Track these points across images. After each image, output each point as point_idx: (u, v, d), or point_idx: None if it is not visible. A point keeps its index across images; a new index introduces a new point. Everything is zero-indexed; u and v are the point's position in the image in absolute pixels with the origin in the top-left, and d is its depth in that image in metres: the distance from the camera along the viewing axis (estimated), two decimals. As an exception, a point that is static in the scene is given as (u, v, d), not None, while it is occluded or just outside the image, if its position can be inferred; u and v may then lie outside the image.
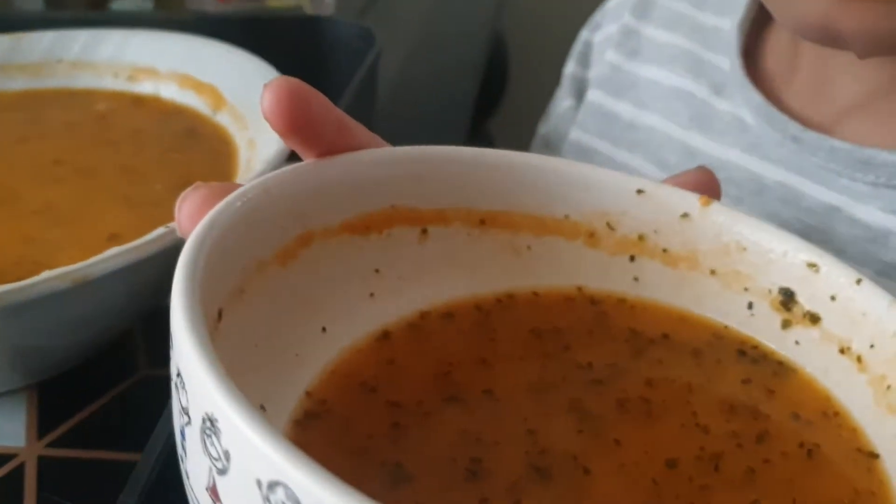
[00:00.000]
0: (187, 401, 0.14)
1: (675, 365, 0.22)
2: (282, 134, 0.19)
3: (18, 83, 0.36)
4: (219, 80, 0.34)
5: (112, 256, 0.22)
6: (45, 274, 0.22)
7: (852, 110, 0.29)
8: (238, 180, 0.29)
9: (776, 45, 0.32)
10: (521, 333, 0.22)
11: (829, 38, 0.25)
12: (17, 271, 0.25)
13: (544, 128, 0.43)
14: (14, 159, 0.31)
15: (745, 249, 0.22)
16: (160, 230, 0.23)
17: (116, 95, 0.35)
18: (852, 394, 0.20)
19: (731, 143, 0.31)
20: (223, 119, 0.32)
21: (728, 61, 0.33)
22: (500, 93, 0.88)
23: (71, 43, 0.36)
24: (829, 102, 0.30)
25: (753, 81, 0.32)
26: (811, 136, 0.29)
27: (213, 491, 0.14)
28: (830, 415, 0.20)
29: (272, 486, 0.12)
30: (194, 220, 0.17)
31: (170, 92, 0.35)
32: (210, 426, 0.14)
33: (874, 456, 0.19)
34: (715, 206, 0.22)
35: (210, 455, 0.13)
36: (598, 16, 0.42)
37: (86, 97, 0.35)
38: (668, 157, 0.33)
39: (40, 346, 0.25)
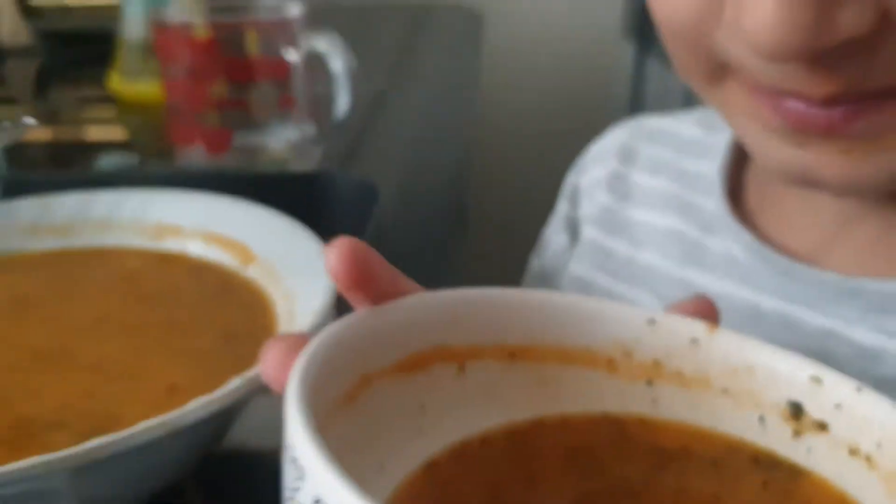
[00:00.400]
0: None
1: (697, 475, 0.25)
2: (345, 289, 0.22)
3: (49, 243, 0.38)
4: (245, 236, 0.36)
5: (202, 406, 0.24)
6: (144, 423, 0.23)
7: (836, 238, 0.33)
8: (281, 331, 0.31)
9: (759, 183, 0.37)
10: (558, 454, 0.25)
11: (810, 184, 0.29)
12: (83, 425, 0.27)
13: (538, 261, 0.47)
14: (59, 317, 0.33)
15: (752, 369, 0.25)
16: (237, 381, 0.25)
17: (144, 253, 0.38)
18: (866, 491, 0.23)
19: (724, 276, 0.35)
20: (254, 273, 0.35)
21: (713, 202, 0.37)
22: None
23: (96, 204, 0.39)
24: (814, 232, 0.34)
25: (740, 219, 0.36)
26: (800, 268, 0.33)
27: None
28: (847, 510, 0.23)
29: None
30: (282, 367, 0.20)
31: (196, 248, 0.37)
32: None
33: None
34: (720, 332, 0.25)
35: None
36: (583, 161, 0.47)
37: (115, 256, 0.37)
38: (666, 291, 0.36)
39: (108, 498, 0.27)
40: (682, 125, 0.44)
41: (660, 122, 0.45)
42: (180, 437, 0.25)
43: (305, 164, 0.56)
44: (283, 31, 0.54)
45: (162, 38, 0.55)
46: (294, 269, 0.33)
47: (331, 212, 0.45)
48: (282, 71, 0.55)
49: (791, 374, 0.24)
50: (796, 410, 0.24)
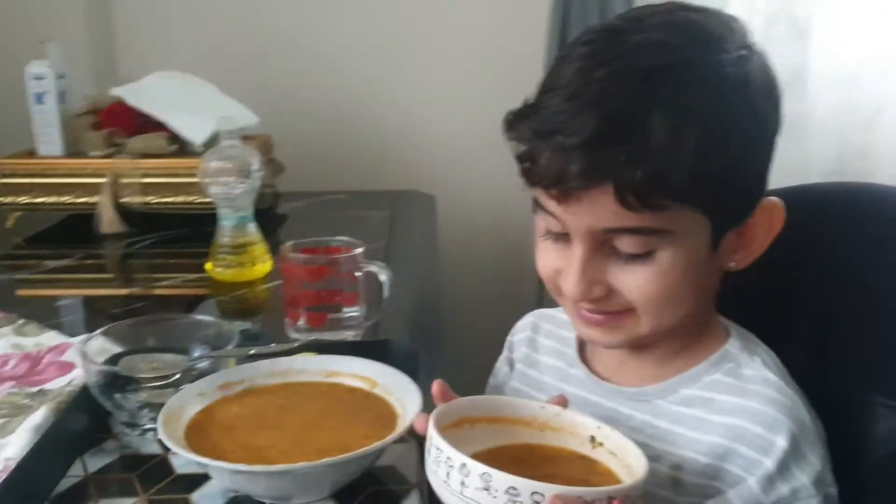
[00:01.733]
0: (451, 461, 0.64)
1: (561, 464, 0.72)
2: (436, 399, 0.70)
3: (276, 380, 0.84)
4: (371, 374, 0.83)
5: (389, 439, 0.70)
6: (368, 447, 0.69)
7: (619, 368, 0.82)
8: (400, 414, 0.77)
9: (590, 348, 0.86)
10: (510, 459, 0.72)
11: (595, 343, 0.78)
12: (338, 449, 0.72)
13: (493, 380, 0.95)
14: (302, 411, 0.78)
15: (577, 423, 0.73)
16: (390, 437, 0.71)
17: (321, 383, 0.84)
18: (619, 472, 0.70)
19: (577, 387, 0.84)
20: (378, 391, 0.82)
21: (572, 351, 0.86)
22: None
23: (296, 362, 0.85)
24: (611, 365, 0.82)
25: (583, 360, 0.85)
26: (603, 383, 0.82)
27: (462, 483, 0.63)
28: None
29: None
30: (423, 421, 0.68)
31: (348, 381, 0.84)
32: (463, 466, 0.63)
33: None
34: (569, 410, 0.74)
35: (462, 473, 0.63)
36: (514, 329, 0.96)
37: (309, 385, 0.83)
38: (552, 394, 0.84)
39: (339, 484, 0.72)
40: (560, 314, 0.93)
41: (550, 312, 0.94)
42: (374, 454, 0.71)
43: (360, 332, 1.03)
44: (353, 260, 1.02)
45: (288, 266, 1.02)
46: (398, 389, 0.80)
47: (391, 359, 0.92)
48: (353, 280, 1.02)
49: (591, 424, 0.72)
50: (592, 438, 0.72)
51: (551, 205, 0.72)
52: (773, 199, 0.75)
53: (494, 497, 0.60)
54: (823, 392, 0.77)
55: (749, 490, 0.71)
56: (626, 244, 0.71)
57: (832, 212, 0.85)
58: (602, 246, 0.72)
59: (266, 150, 1.64)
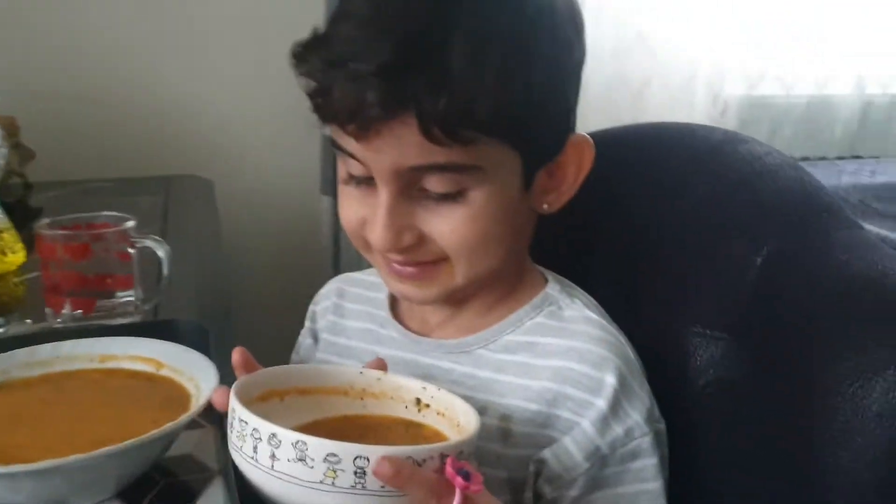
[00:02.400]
0: (258, 434, 0.55)
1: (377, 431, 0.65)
2: (238, 369, 0.61)
3: (37, 371, 0.71)
4: (154, 354, 0.72)
5: (181, 421, 0.60)
6: (162, 428, 0.59)
7: (437, 324, 0.76)
8: (194, 394, 0.67)
9: (403, 305, 0.79)
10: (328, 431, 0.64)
11: (408, 300, 0.72)
12: (122, 439, 0.61)
13: (296, 356, 0.87)
14: (71, 403, 0.66)
15: (400, 386, 0.66)
16: (183, 418, 0.61)
17: (97, 370, 0.72)
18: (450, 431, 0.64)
19: (393, 348, 0.77)
20: (165, 372, 0.71)
21: (384, 312, 0.79)
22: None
23: (62, 348, 0.72)
24: (430, 321, 0.76)
25: (396, 319, 0.78)
26: (421, 339, 0.75)
27: (272, 456, 0.54)
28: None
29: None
30: (222, 396, 0.59)
31: (127, 364, 0.72)
32: (273, 436, 0.54)
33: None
34: (389, 374, 0.67)
35: (271, 445, 0.54)
36: (316, 297, 0.88)
37: (79, 374, 0.71)
38: (366, 359, 0.77)
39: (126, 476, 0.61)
40: (367, 276, 0.86)
41: (356, 275, 0.87)
42: (166, 439, 0.61)
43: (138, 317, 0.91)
44: (124, 235, 0.90)
45: (45, 245, 0.88)
46: (189, 367, 0.69)
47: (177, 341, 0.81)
48: (126, 259, 0.90)
49: (415, 386, 0.66)
50: (418, 401, 0.66)
51: (350, 144, 0.65)
52: (582, 134, 0.72)
53: (311, 468, 0.52)
54: (640, 331, 0.74)
55: (583, 433, 0.67)
56: (434, 183, 0.65)
57: (633, 152, 0.83)
58: (409, 188, 0.66)
59: (11, 133, 1.45)
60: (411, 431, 0.65)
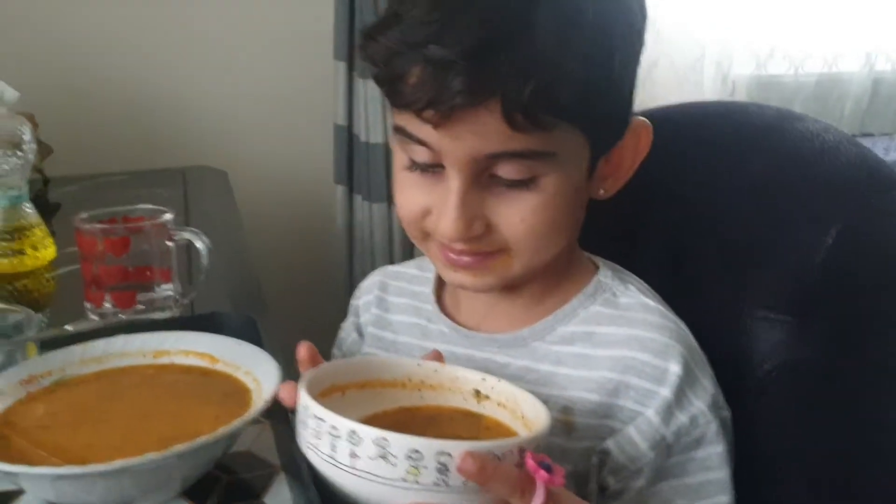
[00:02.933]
0: (336, 431, 0.53)
1: (445, 423, 0.64)
2: (303, 364, 0.60)
3: (92, 368, 0.69)
4: (207, 349, 0.70)
5: (246, 418, 0.59)
6: (218, 431, 0.57)
7: (486, 317, 0.74)
8: (253, 389, 0.65)
9: (451, 293, 0.78)
10: (391, 422, 0.62)
11: (463, 288, 0.70)
12: (185, 437, 0.59)
13: (338, 351, 0.85)
14: (128, 400, 0.65)
15: (457, 378, 0.65)
16: (246, 416, 0.60)
17: (150, 365, 0.70)
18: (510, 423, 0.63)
19: (441, 342, 0.75)
20: (220, 367, 0.69)
21: (430, 306, 0.78)
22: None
23: (114, 344, 0.71)
24: (477, 314, 0.75)
25: (444, 313, 0.77)
26: (472, 334, 0.74)
27: (352, 454, 0.53)
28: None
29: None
30: (290, 390, 0.57)
31: (180, 359, 0.71)
32: (353, 433, 0.53)
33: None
34: (447, 365, 0.65)
35: (352, 442, 0.53)
36: (357, 292, 0.86)
37: (133, 370, 0.70)
38: (416, 354, 0.75)
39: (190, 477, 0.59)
40: (408, 269, 0.84)
41: (396, 268, 0.85)
42: (230, 438, 0.59)
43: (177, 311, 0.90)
44: (163, 227, 0.88)
45: (84, 238, 0.86)
46: (245, 360, 0.68)
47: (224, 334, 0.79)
48: (165, 252, 0.88)
49: (473, 377, 0.64)
50: (477, 392, 0.64)
51: (424, 130, 0.63)
52: (641, 118, 0.70)
53: (393, 465, 0.51)
54: (698, 318, 0.73)
55: (649, 423, 0.66)
56: (508, 170, 0.64)
57: (684, 131, 0.82)
58: (481, 175, 0.65)
59: (32, 130, 1.44)
60: (472, 423, 0.64)
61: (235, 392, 0.66)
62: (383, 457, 0.51)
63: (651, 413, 0.66)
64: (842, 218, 0.68)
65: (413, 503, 0.51)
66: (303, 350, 0.62)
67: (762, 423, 0.70)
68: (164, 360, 0.71)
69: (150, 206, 0.91)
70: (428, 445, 0.51)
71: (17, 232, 1.08)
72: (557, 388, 0.69)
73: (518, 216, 0.65)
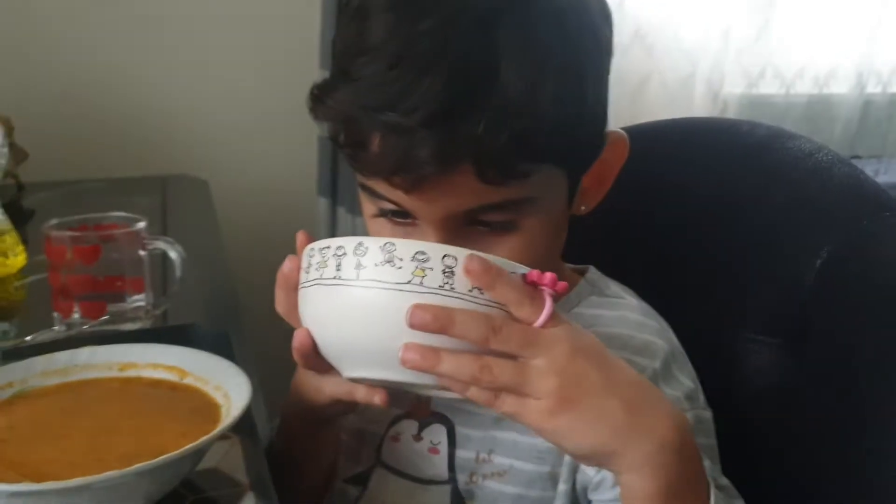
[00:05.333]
0: (342, 249, 0.53)
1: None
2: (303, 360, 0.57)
3: (55, 380, 0.66)
4: (177, 362, 0.68)
5: (211, 437, 0.56)
6: (183, 449, 0.55)
7: None
8: (223, 405, 0.63)
9: None
10: None
11: None
12: (149, 454, 0.57)
13: None
14: (92, 415, 0.62)
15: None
16: (213, 433, 0.57)
17: (116, 378, 0.67)
18: None
19: None
20: (189, 381, 0.67)
21: None
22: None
23: (79, 356, 0.68)
24: None
25: None
26: None
27: (358, 265, 0.52)
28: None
29: None
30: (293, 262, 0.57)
31: (148, 373, 0.68)
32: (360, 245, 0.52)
33: None
34: None
35: (357, 254, 0.52)
36: None
37: (98, 382, 0.67)
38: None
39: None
40: None
41: None
42: (196, 455, 0.57)
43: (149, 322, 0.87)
44: (135, 236, 0.85)
45: (53, 247, 0.83)
46: (216, 375, 0.65)
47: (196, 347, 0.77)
48: (137, 261, 0.85)
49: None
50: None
51: (395, 194, 0.60)
52: (616, 131, 0.69)
53: (399, 268, 0.50)
54: (685, 338, 0.71)
55: None
56: (487, 216, 0.62)
57: (674, 148, 0.80)
58: (459, 227, 0.62)
59: (5, 133, 1.40)
60: None
61: (203, 407, 0.64)
62: (389, 261, 0.50)
63: None
64: (833, 240, 0.67)
65: (417, 304, 0.49)
66: (302, 237, 0.59)
67: (749, 446, 0.68)
68: (131, 373, 0.68)
69: (122, 214, 0.88)
70: (434, 248, 0.50)
71: (-18, 242, 1.05)
72: None
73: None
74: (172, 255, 0.86)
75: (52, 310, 0.86)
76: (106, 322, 0.84)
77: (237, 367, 0.65)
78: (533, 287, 0.51)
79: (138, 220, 0.86)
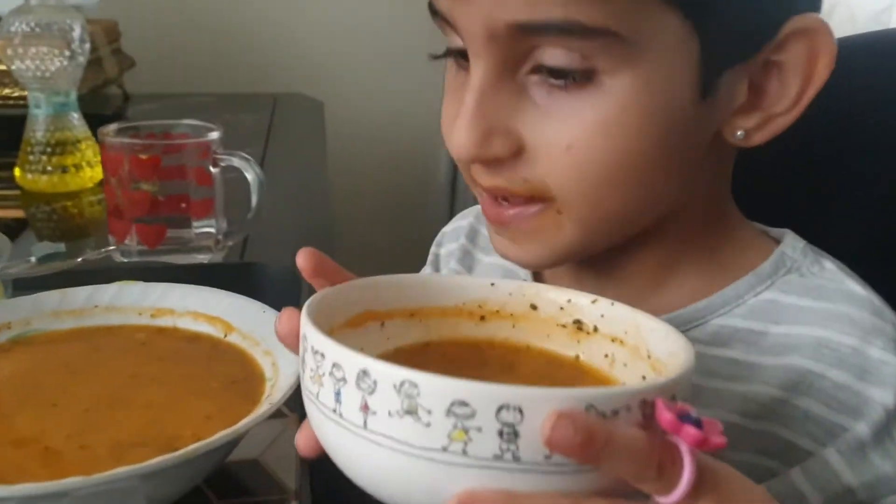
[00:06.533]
0: (340, 371, 0.32)
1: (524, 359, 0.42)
2: (309, 277, 0.39)
3: (68, 323, 0.52)
4: (223, 313, 0.52)
5: (237, 429, 0.39)
6: (205, 441, 0.38)
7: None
8: (269, 377, 0.46)
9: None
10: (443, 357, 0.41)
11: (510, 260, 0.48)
12: (157, 444, 0.41)
13: None
14: (102, 375, 0.47)
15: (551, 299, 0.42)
16: (255, 414, 0.41)
17: (145, 327, 0.52)
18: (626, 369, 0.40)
19: None
20: (235, 339, 0.50)
21: (524, 272, 0.56)
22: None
23: (103, 294, 0.53)
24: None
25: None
26: None
27: (364, 407, 0.31)
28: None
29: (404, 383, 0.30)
30: (290, 321, 0.36)
31: (186, 324, 0.52)
32: (364, 374, 0.31)
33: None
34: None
35: (362, 389, 0.31)
36: (441, 237, 0.65)
37: (124, 331, 0.51)
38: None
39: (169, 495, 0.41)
40: None
41: None
42: (220, 451, 0.40)
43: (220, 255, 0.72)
44: (206, 149, 0.69)
45: (109, 155, 0.69)
46: (267, 335, 0.49)
47: (263, 292, 0.61)
48: (206, 179, 0.70)
49: (578, 299, 0.42)
50: (578, 324, 0.42)
51: (441, 3, 0.43)
52: (814, 16, 0.45)
53: (427, 425, 0.30)
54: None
55: (825, 465, 0.44)
56: (551, 56, 0.41)
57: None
58: (514, 67, 0.43)
59: (111, 38, 1.29)
60: (571, 368, 0.42)
61: (246, 378, 0.47)
62: (411, 411, 0.30)
63: (831, 453, 0.44)
64: None
65: (468, 493, 0.30)
66: (302, 258, 0.40)
67: None
68: (165, 321, 0.53)
69: (194, 123, 0.72)
70: (483, 393, 0.29)
71: (61, 146, 0.92)
72: (698, 407, 0.46)
73: (564, 136, 0.42)
74: (249, 175, 0.70)
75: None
76: (165, 251, 0.69)
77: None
78: (664, 441, 0.31)
79: (211, 130, 0.70)
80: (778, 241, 0.52)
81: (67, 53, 0.90)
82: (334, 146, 1.30)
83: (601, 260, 0.50)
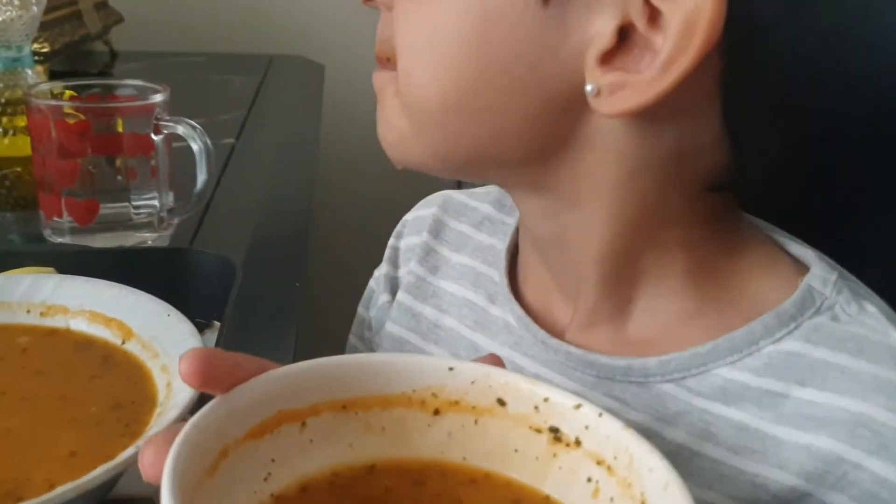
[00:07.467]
0: None
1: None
2: (199, 388, 0.29)
3: (-61, 321, 0.43)
4: (124, 315, 0.43)
5: (106, 471, 0.31)
6: (60, 489, 0.30)
7: (579, 323, 0.42)
8: (161, 402, 0.38)
9: (529, 260, 0.46)
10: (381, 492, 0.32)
11: None
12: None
13: (364, 312, 0.54)
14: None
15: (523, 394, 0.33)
16: (131, 449, 0.32)
17: (31, 329, 0.43)
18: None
19: (502, 342, 0.44)
20: (133, 347, 0.41)
21: (498, 274, 0.46)
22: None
23: (-15, 286, 0.44)
24: (560, 305, 0.43)
25: (515, 293, 0.45)
26: (553, 342, 0.42)
27: None
28: None
29: None
30: (156, 465, 0.26)
31: (79, 325, 0.43)
32: None
33: None
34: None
35: None
36: (400, 228, 0.54)
37: (6, 331, 0.43)
38: (460, 352, 0.45)
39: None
40: (480, 203, 0.52)
41: (464, 198, 0.53)
42: (86, 497, 0.32)
43: (166, 236, 0.63)
44: (147, 114, 0.60)
45: (35, 119, 0.60)
46: (169, 346, 0.40)
47: (194, 283, 0.52)
48: (146, 147, 0.61)
49: (556, 398, 0.33)
50: (555, 432, 0.33)
51: None
52: None
53: None
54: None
55: None
56: None
57: None
58: None
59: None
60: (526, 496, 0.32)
61: (133, 403, 0.38)
62: None
63: None
64: None
65: None
66: (186, 366, 0.31)
67: None
68: (56, 320, 0.44)
69: (139, 83, 0.63)
70: None
71: (12, 106, 0.83)
72: (694, 481, 0.36)
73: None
74: (194, 146, 0.60)
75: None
76: (100, 229, 0.61)
77: (196, 333, 0.39)
78: None
79: (156, 91, 0.61)
80: (797, 260, 0.41)
81: (17, 2, 0.80)
82: (331, 114, 1.20)
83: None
